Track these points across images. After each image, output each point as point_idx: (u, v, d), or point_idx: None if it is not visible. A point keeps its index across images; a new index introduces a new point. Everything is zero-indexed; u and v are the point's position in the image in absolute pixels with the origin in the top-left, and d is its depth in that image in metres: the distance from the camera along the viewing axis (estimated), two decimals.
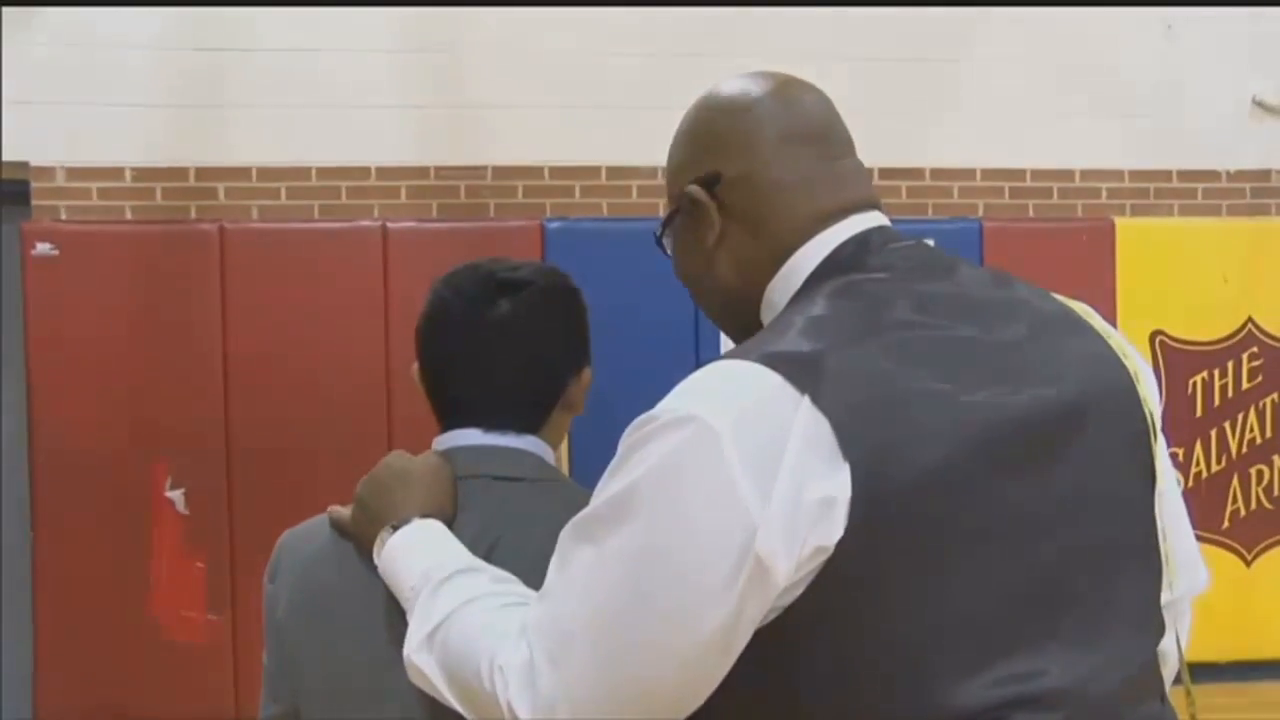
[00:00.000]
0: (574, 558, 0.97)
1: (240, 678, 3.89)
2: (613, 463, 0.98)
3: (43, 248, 3.88)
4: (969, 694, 0.92)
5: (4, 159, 4.06)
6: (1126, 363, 1.10)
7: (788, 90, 1.16)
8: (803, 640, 0.93)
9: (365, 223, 4.16)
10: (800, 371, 0.94)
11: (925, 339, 0.99)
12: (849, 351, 0.96)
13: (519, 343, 1.23)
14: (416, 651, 1.05)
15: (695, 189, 1.12)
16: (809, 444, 0.92)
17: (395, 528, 1.15)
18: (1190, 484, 4.47)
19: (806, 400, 0.93)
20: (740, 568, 0.90)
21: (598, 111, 4.38)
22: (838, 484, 0.91)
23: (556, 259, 4.02)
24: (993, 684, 0.93)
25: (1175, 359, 4.47)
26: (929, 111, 4.57)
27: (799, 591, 0.92)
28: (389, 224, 4.11)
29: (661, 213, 1.18)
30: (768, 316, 1.09)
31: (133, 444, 3.88)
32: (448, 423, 1.26)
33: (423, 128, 4.33)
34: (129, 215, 4.16)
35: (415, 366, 1.30)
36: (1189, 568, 1.13)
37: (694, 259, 1.14)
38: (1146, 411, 1.10)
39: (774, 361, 0.95)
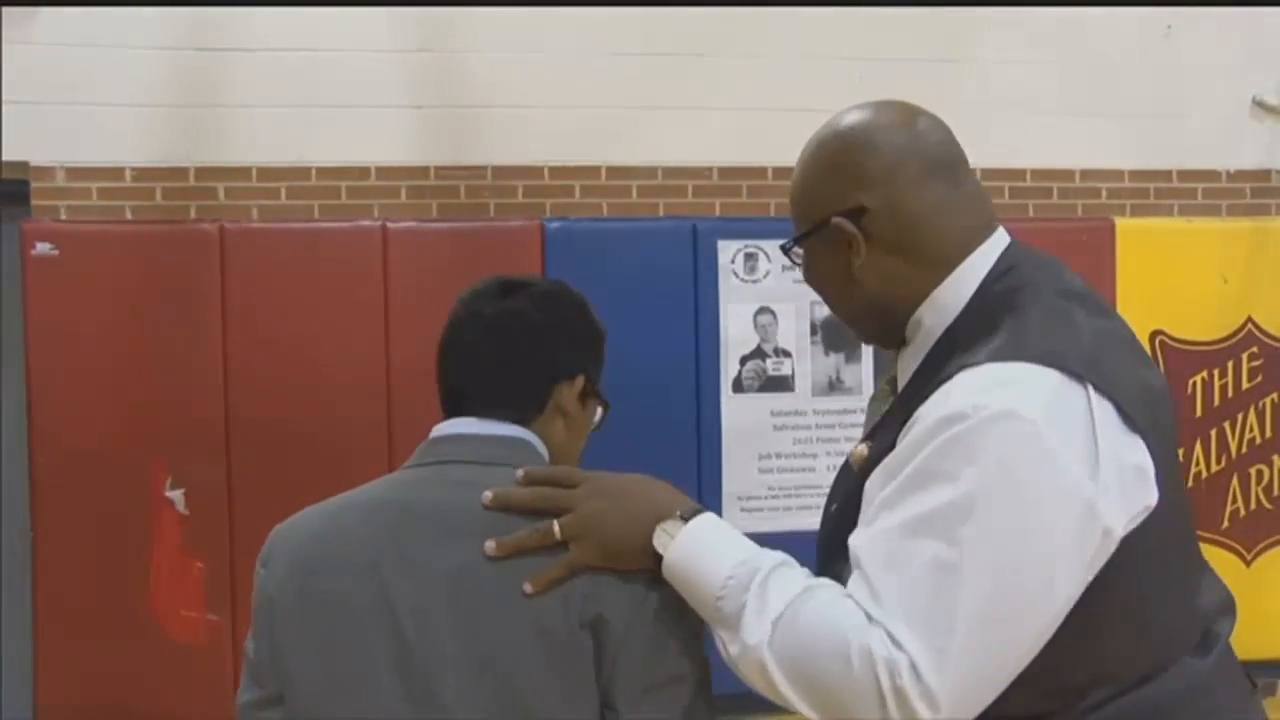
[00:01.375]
0: (921, 555, 1.02)
1: (239, 677, 3.88)
2: (926, 458, 1.06)
3: (43, 247, 3.87)
4: (1203, 603, 1.25)
5: (4, 159, 4.07)
6: None
7: (915, 122, 1.35)
8: (1111, 581, 1.10)
9: (365, 223, 4.16)
10: (1071, 364, 1.09)
11: (1108, 332, 1.17)
12: (1085, 344, 1.12)
13: (510, 334, 1.28)
14: (759, 641, 1.05)
15: (842, 221, 1.23)
16: (1108, 423, 1.07)
17: (685, 517, 1.12)
18: (1190, 484, 4.48)
19: (1090, 388, 1.08)
20: (1087, 537, 1.05)
21: (598, 111, 4.38)
22: (1142, 454, 1.09)
23: (556, 259, 4.03)
24: (1205, 599, 1.26)
25: (1175, 359, 4.48)
26: (929, 109, 4.56)
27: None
28: (389, 224, 4.11)
29: (784, 223, 1.36)
30: (929, 316, 1.22)
31: (132, 443, 3.88)
32: (447, 413, 1.30)
33: (423, 127, 4.33)
34: (129, 215, 4.16)
35: None
36: None
37: (837, 276, 1.27)
38: None
39: (1045, 359, 1.09)
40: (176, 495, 3.91)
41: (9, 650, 4.10)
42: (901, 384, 1.26)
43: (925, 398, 1.14)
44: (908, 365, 1.26)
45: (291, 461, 3.82)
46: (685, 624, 1.16)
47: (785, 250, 1.32)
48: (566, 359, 1.31)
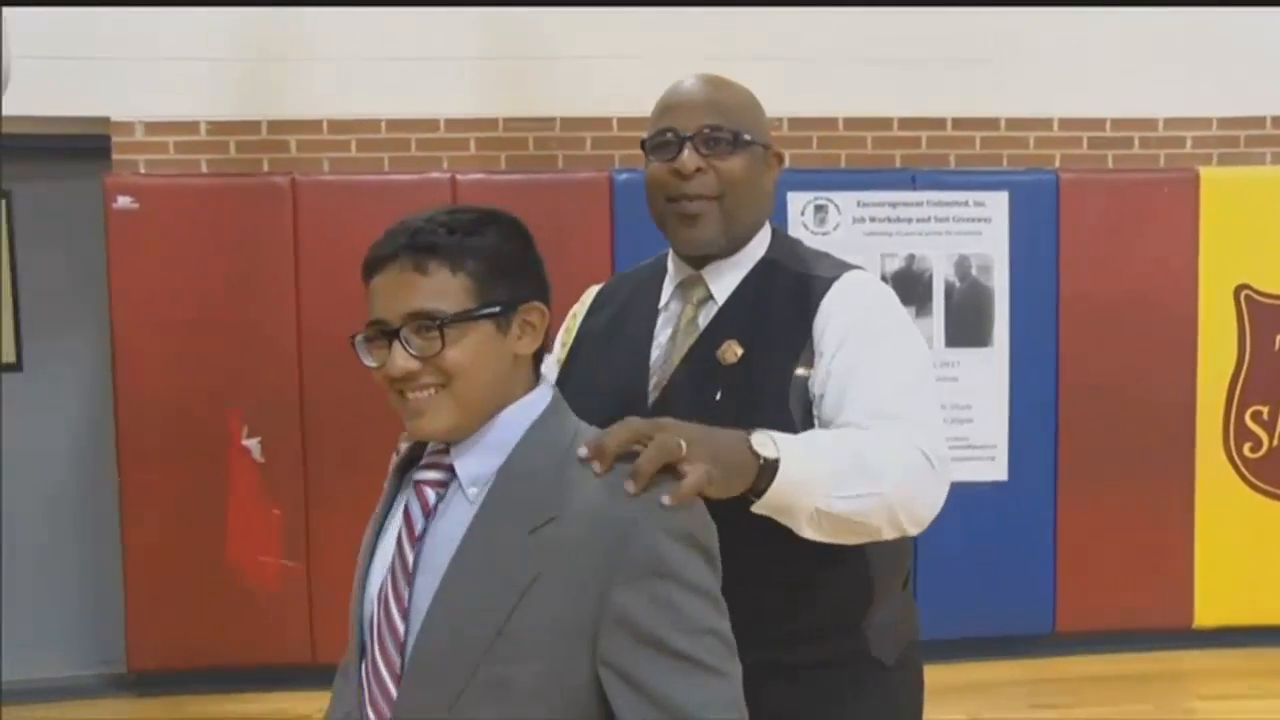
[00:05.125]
0: (923, 388, 1.49)
1: (315, 622, 3.99)
2: (870, 298, 1.52)
3: (123, 201, 3.96)
4: None
5: (86, 114, 4.15)
6: None
7: None
8: None
9: (434, 174, 4.18)
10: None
11: None
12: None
13: None
14: (884, 490, 1.33)
15: (777, 154, 1.61)
16: None
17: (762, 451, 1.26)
18: (1275, 442, 4.35)
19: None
20: None
21: (666, 62, 4.29)
22: None
23: (625, 210, 4.01)
24: None
25: (1261, 314, 4.33)
26: (1004, 58, 4.44)
27: None
28: (458, 176, 4.13)
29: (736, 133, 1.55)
30: (758, 243, 1.60)
31: (211, 393, 3.97)
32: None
33: (491, 79, 4.33)
34: (204, 168, 4.23)
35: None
36: None
37: (759, 184, 1.58)
38: None
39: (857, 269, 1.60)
40: (253, 444, 4.00)
41: (103, 591, 4.25)
42: (723, 294, 1.55)
43: (780, 299, 1.52)
44: (727, 279, 1.56)
45: (363, 410, 3.88)
46: None
47: (731, 137, 1.52)
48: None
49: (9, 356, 4.34)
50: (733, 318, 1.53)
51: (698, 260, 1.57)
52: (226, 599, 3.98)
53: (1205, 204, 4.31)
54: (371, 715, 1.17)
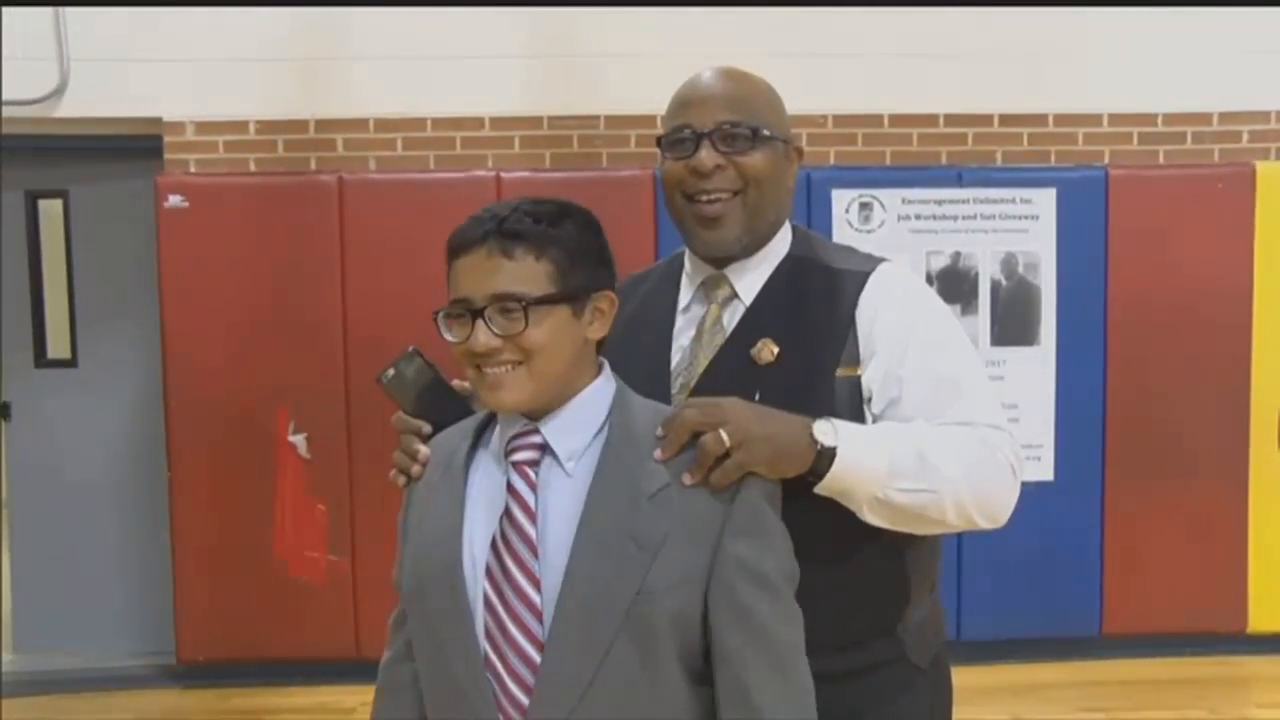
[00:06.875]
0: (974, 374, 1.49)
1: (360, 617, 4.03)
2: (926, 322, 1.47)
3: (174, 200, 4.02)
4: None
5: (139, 115, 4.22)
6: None
7: None
8: None
9: (480, 173, 4.20)
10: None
11: None
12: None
13: None
14: (949, 485, 1.36)
15: (797, 148, 1.56)
16: None
17: (822, 437, 1.31)
18: None
19: None
20: None
21: (711, 59, 4.29)
22: None
23: None
24: None
25: None
26: (1052, 53, 4.39)
27: None
28: (503, 174, 4.15)
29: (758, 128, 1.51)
30: (779, 241, 1.55)
31: (258, 389, 4.03)
32: None
33: (536, 78, 4.35)
34: (253, 167, 4.28)
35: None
36: None
37: (781, 175, 1.54)
38: None
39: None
40: (299, 440, 4.05)
41: (153, 584, 4.32)
42: (750, 293, 1.51)
43: (813, 296, 1.48)
44: (751, 278, 1.52)
45: None
46: None
47: (750, 133, 1.49)
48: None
49: (64, 352, 4.43)
50: (763, 317, 1.49)
51: (719, 260, 1.52)
52: (273, 593, 4.04)
53: (1261, 200, 4.22)
54: (511, 684, 1.22)
